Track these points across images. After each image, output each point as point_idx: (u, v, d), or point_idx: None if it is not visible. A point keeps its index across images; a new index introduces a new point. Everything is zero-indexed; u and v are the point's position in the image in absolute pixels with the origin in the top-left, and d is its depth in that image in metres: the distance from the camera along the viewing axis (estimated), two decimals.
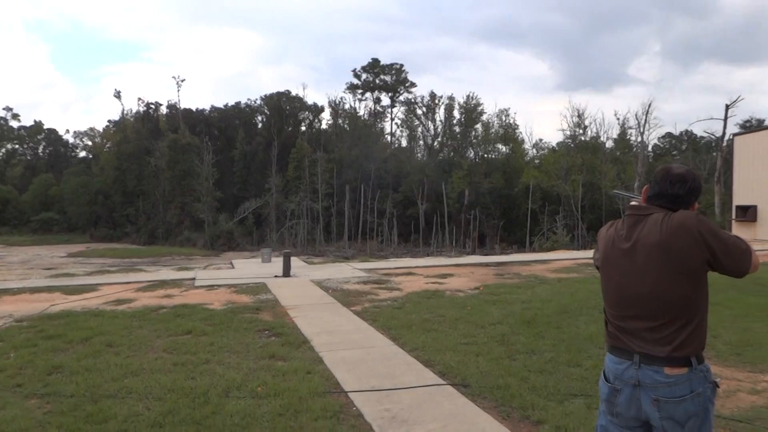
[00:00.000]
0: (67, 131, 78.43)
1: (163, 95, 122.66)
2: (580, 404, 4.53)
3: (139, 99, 73.57)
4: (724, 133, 37.75)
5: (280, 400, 4.57)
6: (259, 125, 63.54)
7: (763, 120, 51.39)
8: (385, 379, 5.15)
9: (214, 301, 9.24)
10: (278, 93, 63.03)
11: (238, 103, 65.22)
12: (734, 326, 7.33)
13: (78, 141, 72.43)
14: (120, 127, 61.33)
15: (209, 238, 47.32)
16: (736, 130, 41.27)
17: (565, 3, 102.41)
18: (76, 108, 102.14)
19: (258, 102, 64.55)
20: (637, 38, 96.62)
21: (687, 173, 2.30)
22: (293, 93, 63.99)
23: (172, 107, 62.71)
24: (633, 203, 2.38)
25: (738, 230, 23.51)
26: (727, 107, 37.13)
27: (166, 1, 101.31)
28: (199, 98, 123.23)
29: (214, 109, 64.92)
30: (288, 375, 5.24)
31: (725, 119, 37.32)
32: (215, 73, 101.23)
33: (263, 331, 7.07)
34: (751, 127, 46.70)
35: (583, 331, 6.93)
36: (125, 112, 63.58)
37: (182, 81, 71.43)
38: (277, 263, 13.99)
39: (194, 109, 63.37)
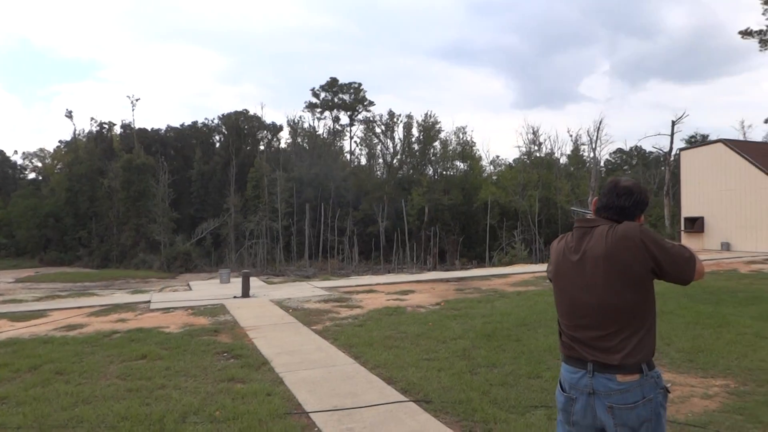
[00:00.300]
0: (15, 152, 75.59)
1: (117, 115, 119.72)
2: (540, 415, 4.57)
3: (92, 119, 71.93)
4: (671, 148, 39.27)
5: (239, 424, 4.46)
6: (217, 145, 62.75)
7: (707, 135, 53.61)
8: (347, 398, 5.10)
9: (171, 324, 9.00)
10: (236, 112, 62.51)
11: (195, 123, 64.41)
12: (686, 333, 7.55)
13: (27, 162, 69.94)
14: (72, 147, 59.55)
15: (166, 260, 46.16)
16: (683, 145, 42.96)
17: (519, 25, 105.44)
18: (25, 128, 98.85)
19: (216, 121, 63.89)
20: (587, 58, 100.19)
21: (634, 186, 2.37)
22: (251, 112, 63.63)
23: (126, 127, 61.40)
24: (587, 218, 2.44)
25: (687, 241, 24.37)
26: (674, 123, 38.68)
27: (121, 19, 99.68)
28: (154, 118, 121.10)
29: (170, 128, 63.89)
30: (247, 397, 5.12)
31: (672, 135, 38.85)
32: (171, 92, 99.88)
33: (222, 354, 6.91)
34: (696, 142, 48.67)
35: (542, 342, 7.02)
36: (77, 132, 61.93)
37: (137, 100, 70.23)
38: (236, 284, 13.75)
39: (150, 129, 62.19)
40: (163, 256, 46.73)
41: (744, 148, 23.99)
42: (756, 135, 61.12)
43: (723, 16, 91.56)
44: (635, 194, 2.35)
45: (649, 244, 2.19)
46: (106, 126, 61.16)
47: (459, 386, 5.36)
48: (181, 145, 61.68)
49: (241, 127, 61.73)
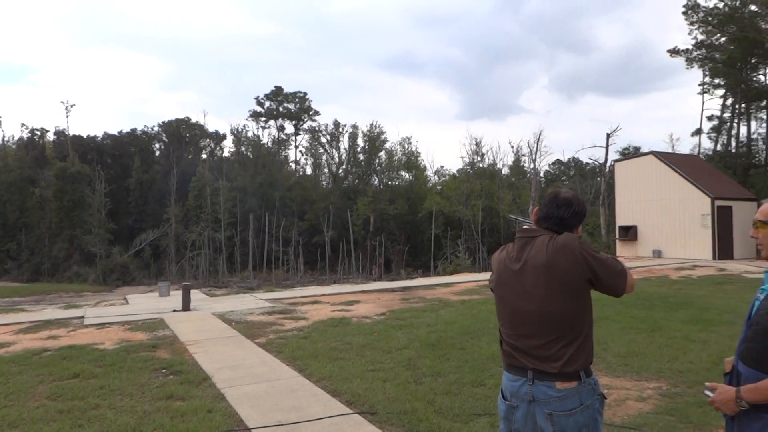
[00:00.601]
0: None
1: (50, 121, 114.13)
2: (484, 423, 4.63)
3: (23, 125, 68.64)
4: (606, 160, 40.92)
5: None
6: (157, 153, 60.96)
7: (640, 148, 56.13)
8: (291, 412, 5.02)
9: (106, 340, 8.63)
10: (177, 120, 60.96)
11: (134, 130, 62.26)
12: (621, 338, 7.85)
13: None
14: (0, 155, 56.57)
15: (101, 273, 44.31)
16: (617, 156, 44.79)
17: (462, 38, 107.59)
18: None
19: (156, 129, 62.04)
20: (527, 72, 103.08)
21: (573, 198, 2.45)
22: (194, 120, 62.24)
23: (60, 134, 58.68)
24: (525, 227, 2.50)
25: (621, 249, 25.39)
26: (608, 136, 40.38)
27: (56, 22, 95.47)
28: (90, 125, 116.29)
29: (107, 135, 61.53)
30: (187, 415, 4.96)
31: (607, 147, 40.53)
32: (109, 98, 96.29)
33: (160, 370, 6.68)
34: (629, 154, 50.87)
35: (486, 351, 7.14)
36: (6, 138, 58.94)
37: (72, 106, 67.00)
38: (177, 297, 13.35)
39: (85, 136, 59.60)
40: (98, 269, 44.82)
41: (673, 160, 25.25)
42: (684, 147, 64.58)
43: (653, 35, 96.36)
44: (574, 205, 2.42)
45: (587, 255, 2.26)
46: (38, 132, 58.34)
47: (404, 396, 5.37)
48: (119, 153, 59.53)
49: (183, 135, 60.26)
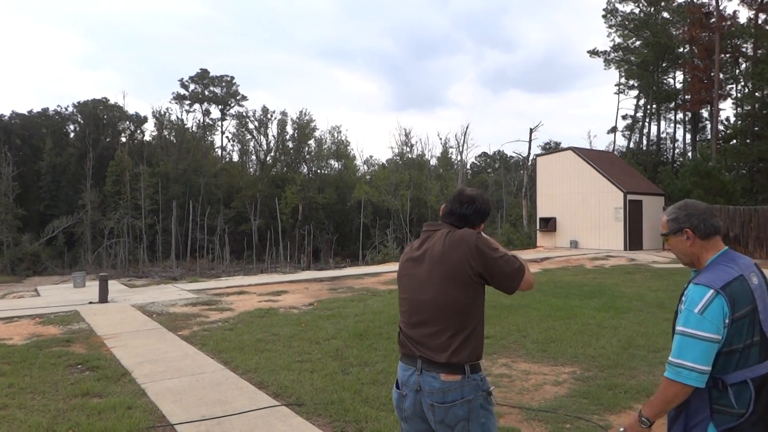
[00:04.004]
0: None
1: None
2: None
3: None
4: (529, 153, 42.42)
5: None
6: (72, 135, 57.61)
7: (560, 143, 58.76)
8: (215, 406, 4.93)
9: (14, 335, 8.12)
10: (94, 100, 57.78)
11: (46, 110, 58.55)
12: (540, 325, 8.21)
13: None
14: None
15: (9, 262, 41.49)
16: (539, 151, 46.64)
17: (393, 30, 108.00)
18: None
19: (70, 109, 58.60)
20: (456, 66, 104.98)
21: (477, 196, 2.54)
22: (112, 101, 59.22)
23: None
24: (433, 222, 2.59)
25: (542, 239, 26.48)
26: (531, 131, 41.82)
27: None
28: None
29: (16, 115, 57.54)
30: (105, 413, 4.77)
31: (530, 141, 42.00)
32: (18, 75, 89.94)
33: (75, 366, 6.36)
34: (550, 149, 53.05)
35: None
36: None
37: None
38: (93, 288, 12.74)
39: None
40: (6, 258, 41.94)
41: (590, 155, 26.53)
42: (600, 144, 68.03)
43: (574, 35, 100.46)
44: (477, 203, 2.51)
45: (482, 248, 2.34)
46: None
47: (331, 387, 5.40)
48: (29, 133, 55.80)
49: (100, 116, 57.22)
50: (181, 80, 63.28)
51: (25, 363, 6.41)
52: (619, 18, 46.47)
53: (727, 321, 2.02)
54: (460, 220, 2.49)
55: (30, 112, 58.26)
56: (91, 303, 11.03)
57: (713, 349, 2.02)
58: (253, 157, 62.37)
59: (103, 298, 11.23)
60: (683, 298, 2.12)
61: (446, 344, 2.31)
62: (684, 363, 2.03)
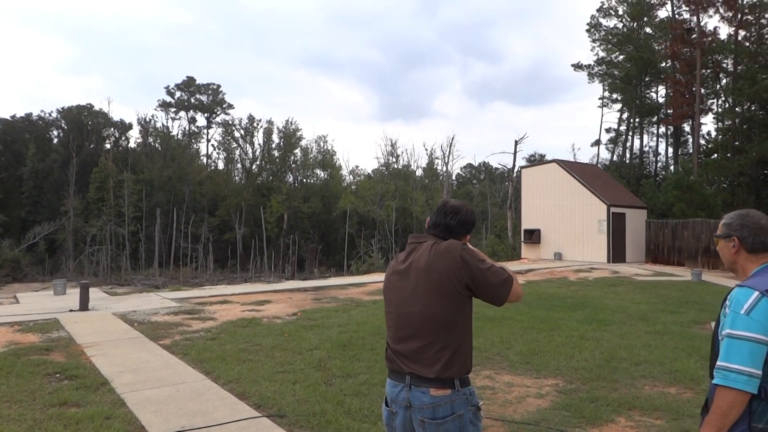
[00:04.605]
0: None
1: None
2: None
3: None
4: (514, 165, 42.74)
5: None
6: (55, 140, 57.00)
7: (545, 155, 59.24)
8: (196, 417, 4.87)
9: None
10: (79, 106, 57.28)
11: (29, 115, 57.89)
12: (524, 337, 8.24)
13: None
14: None
15: None
16: (524, 162, 46.99)
17: (379, 41, 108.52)
18: None
19: (54, 115, 58.01)
20: (442, 77, 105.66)
21: (461, 206, 2.53)
22: (97, 107, 58.71)
23: None
24: (418, 234, 2.58)
25: (526, 251, 26.62)
26: (516, 143, 42.18)
27: None
28: None
29: None
30: (83, 423, 4.69)
31: (515, 153, 42.34)
32: (1, 80, 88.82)
33: (53, 375, 6.26)
34: (534, 161, 53.48)
35: None
36: None
37: None
38: (74, 295, 12.55)
39: None
40: None
41: (574, 168, 26.78)
42: (584, 156, 68.74)
43: (559, 49, 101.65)
44: (461, 214, 2.49)
45: (468, 260, 2.30)
46: None
47: (314, 398, 5.36)
48: (11, 138, 55.07)
49: (84, 122, 56.68)
50: (167, 87, 62.87)
51: (2, 371, 6.29)
52: (603, 32, 47.22)
53: None
54: (445, 232, 2.47)
55: (13, 117, 57.58)
56: (71, 311, 10.87)
57: (762, 351, 1.92)
58: (239, 165, 62.12)
59: (84, 305, 11.07)
60: (727, 302, 2.06)
61: (435, 358, 2.28)
62: (731, 366, 1.93)
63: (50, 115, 58.29)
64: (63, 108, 57.39)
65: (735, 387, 1.92)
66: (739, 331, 1.95)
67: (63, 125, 57.28)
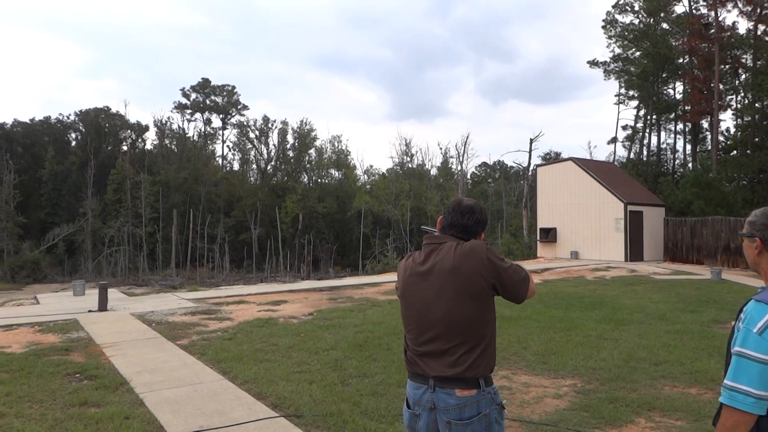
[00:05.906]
0: None
1: None
2: None
3: None
4: (529, 164, 42.52)
5: None
6: (73, 143, 57.84)
7: (560, 153, 58.85)
8: (213, 417, 4.90)
9: (13, 343, 8.09)
10: (96, 109, 58.04)
11: (48, 118, 58.81)
12: (541, 337, 8.18)
13: None
14: None
15: (9, 270, 41.44)
16: (539, 161, 46.73)
17: (392, 40, 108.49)
18: None
19: (72, 118, 58.85)
20: (456, 76, 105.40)
21: (475, 206, 2.52)
22: (114, 110, 59.51)
23: None
24: (434, 234, 2.55)
25: (542, 250, 26.44)
26: (531, 141, 41.96)
27: None
28: None
29: (18, 123, 57.76)
30: (103, 423, 4.75)
31: (530, 151, 42.11)
32: (21, 84, 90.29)
33: (74, 375, 6.34)
34: (550, 159, 53.11)
35: None
36: None
37: None
38: (92, 296, 12.70)
39: None
40: (6, 266, 41.92)
41: (590, 166, 26.54)
42: (600, 154, 68.16)
43: (574, 46, 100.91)
44: (476, 213, 2.49)
45: (493, 260, 2.32)
46: None
47: (330, 398, 5.37)
48: (31, 141, 56.01)
49: (102, 125, 57.44)
50: (182, 89, 63.53)
51: (24, 371, 6.38)
52: (619, 29, 46.68)
53: None
54: (462, 231, 2.46)
55: (32, 120, 58.55)
56: (90, 311, 11.00)
57: None
58: (254, 166, 62.46)
59: (103, 306, 11.20)
60: (741, 315, 1.98)
61: (461, 360, 2.28)
62: (738, 386, 1.86)
63: (68, 117, 59.23)
64: (81, 111, 58.35)
65: (740, 408, 1.86)
66: (749, 351, 1.87)
67: (81, 128, 58.09)
